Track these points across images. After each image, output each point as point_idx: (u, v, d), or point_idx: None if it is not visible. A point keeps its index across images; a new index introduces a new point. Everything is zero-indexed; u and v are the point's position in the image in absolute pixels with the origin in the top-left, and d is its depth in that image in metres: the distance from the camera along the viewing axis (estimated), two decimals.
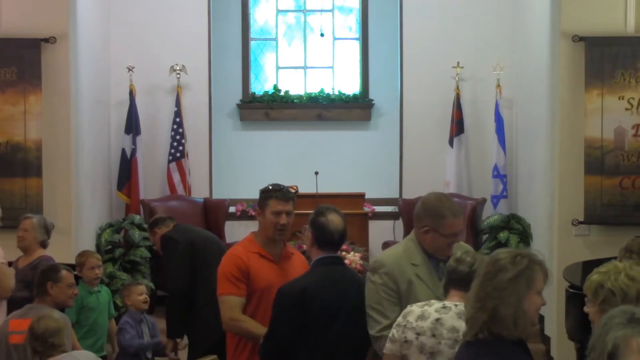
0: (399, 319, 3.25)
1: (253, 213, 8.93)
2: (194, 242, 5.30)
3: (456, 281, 3.23)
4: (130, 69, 8.75)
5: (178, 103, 8.93)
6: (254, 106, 9.62)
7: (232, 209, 8.99)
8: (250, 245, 4.13)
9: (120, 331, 5.70)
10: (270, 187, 4.13)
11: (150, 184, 8.95)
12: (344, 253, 7.13)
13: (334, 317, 3.62)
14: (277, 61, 9.88)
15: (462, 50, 9.00)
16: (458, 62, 8.94)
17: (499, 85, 8.79)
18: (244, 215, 9.10)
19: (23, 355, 4.30)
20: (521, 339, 2.77)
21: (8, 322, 4.54)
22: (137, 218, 8.30)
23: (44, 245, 5.59)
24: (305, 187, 7.48)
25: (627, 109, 6.86)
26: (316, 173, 8.06)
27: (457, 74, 8.96)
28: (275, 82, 9.81)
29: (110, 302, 5.97)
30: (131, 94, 8.73)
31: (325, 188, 8.24)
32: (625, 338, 1.97)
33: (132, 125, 8.67)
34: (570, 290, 5.57)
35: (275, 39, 9.90)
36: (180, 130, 8.87)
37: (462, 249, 3.62)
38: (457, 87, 8.96)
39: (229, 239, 8.36)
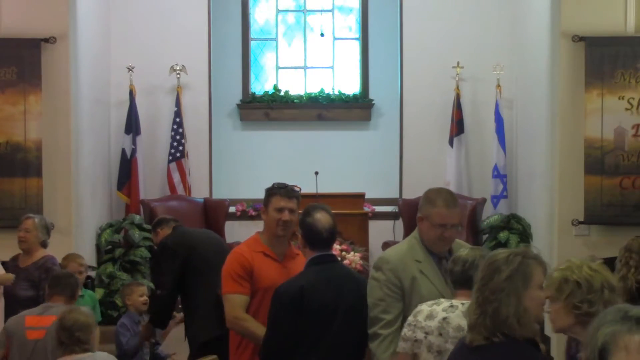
0: (410, 318, 3.29)
1: (253, 213, 8.96)
2: (192, 246, 5.28)
3: (456, 281, 3.30)
4: (130, 69, 8.75)
5: (178, 103, 8.93)
6: (254, 106, 9.62)
7: (232, 209, 8.99)
8: (255, 244, 4.14)
9: (117, 334, 5.68)
10: (275, 185, 4.16)
11: (150, 184, 8.95)
12: (344, 253, 7.14)
13: (333, 314, 3.63)
14: (277, 61, 9.88)
15: (462, 50, 9.01)
16: (458, 62, 8.95)
17: (499, 85, 8.79)
18: (244, 215, 9.10)
19: (42, 351, 4.34)
20: (532, 338, 2.74)
21: (23, 317, 4.54)
22: (137, 218, 8.30)
23: (44, 245, 5.59)
24: (305, 187, 7.40)
25: (627, 109, 6.86)
26: (316, 173, 8.06)
27: (457, 74, 8.96)
28: (275, 82, 9.81)
29: (96, 307, 5.90)
30: (131, 94, 8.73)
31: (325, 188, 8.24)
32: (614, 335, 1.97)
33: (132, 125, 8.68)
34: None
35: (275, 39, 9.90)
36: (180, 130, 8.87)
37: (461, 247, 3.63)
38: (457, 87, 8.96)
39: (229, 239, 8.35)
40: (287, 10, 9.95)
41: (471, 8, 9.10)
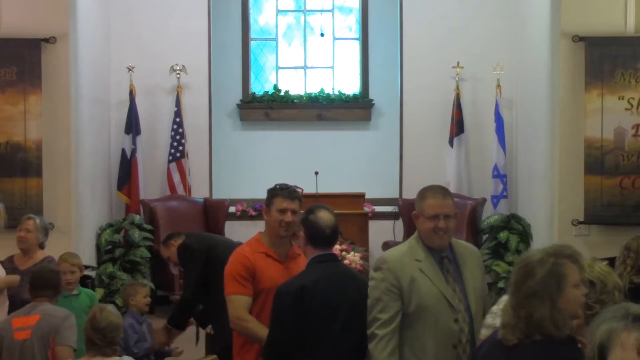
0: (494, 307, 3.28)
1: (253, 213, 8.96)
2: (211, 247, 5.29)
3: None
4: (130, 69, 8.75)
5: (178, 103, 8.93)
6: (254, 106, 9.62)
7: (232, 209, 8.99)
8: (257, 245, 4.14)
9: (123, 334, 5.65)
10: (277, 186, 4.16)
11: (150, 184, 8.95)
12: (344, 253, 7.13)
13: (334, 313, 3.63)
14: (277, 61, 9.88)
15: (462, 50, 9.01)
16: (458, 62, 8.95)
17: (499, 85, 8.79)
18: (244, 215, 9.10)
19: (29, 351, 4.32)
20: (570, 336, 2.68)
21: (10, 320, 4.54)
22: (137, 218, 8.30)
23: (42, 246, 5.57)
24: (306, 187, 7.39)
25: (627, 109, 6.87)
26: (316, 173, 8.06)
27: (457, 74, 8.96)
28: (275, 82, 9.81)
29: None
30: (131, 94, 8.73)
31: (325, 188, 8.24)
32: (612, 332, 1.98)
33: (132, 125, 8.68)
34: None
35: (275, 39, 9.90)
36: (180, 130, 8.87)
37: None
38: (457, 87, 8.96)
39: None
40: (287, 11, 9.95)
41: (471, 8, 9.10)
